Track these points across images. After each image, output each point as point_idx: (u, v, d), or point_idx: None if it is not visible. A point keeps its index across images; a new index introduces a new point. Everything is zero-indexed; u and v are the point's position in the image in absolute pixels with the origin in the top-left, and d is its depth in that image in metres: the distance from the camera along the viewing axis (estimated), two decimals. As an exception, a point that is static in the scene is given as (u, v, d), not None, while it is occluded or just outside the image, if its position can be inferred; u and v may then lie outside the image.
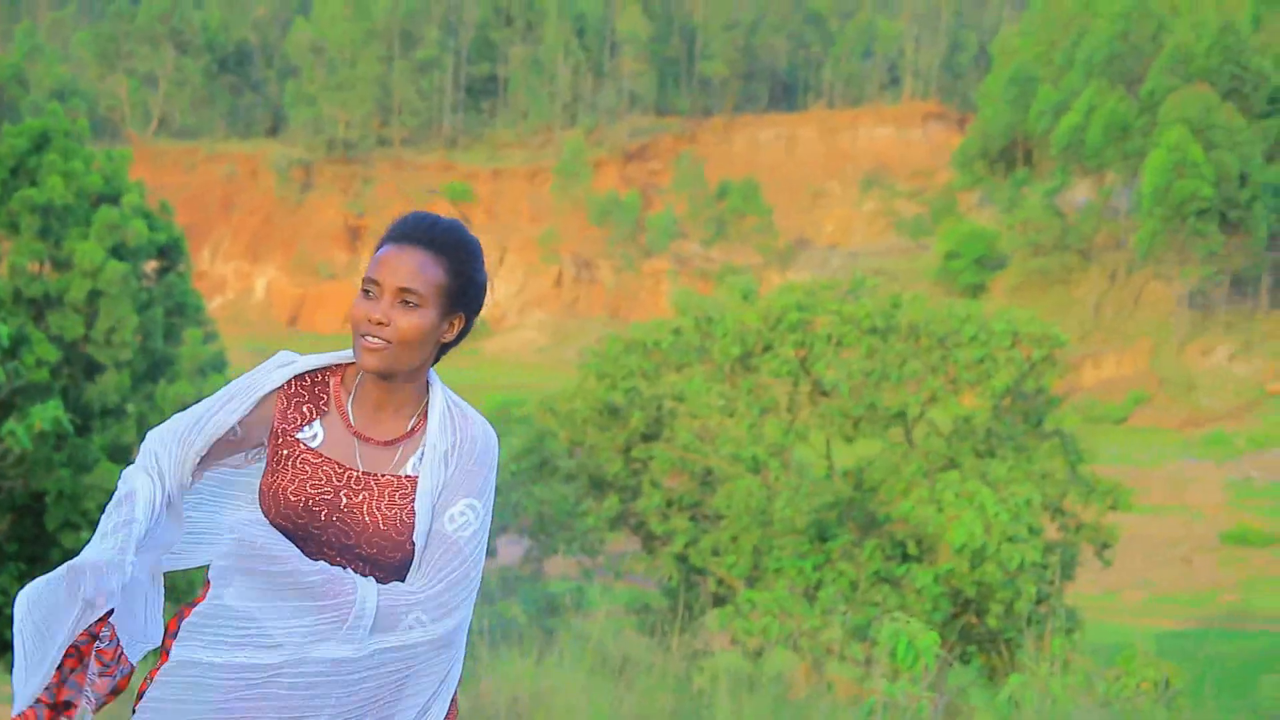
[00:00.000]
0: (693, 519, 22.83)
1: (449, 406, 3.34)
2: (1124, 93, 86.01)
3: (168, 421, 3.36)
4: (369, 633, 3.13)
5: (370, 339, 3.16)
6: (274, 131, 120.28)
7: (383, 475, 3.24)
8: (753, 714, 8.84)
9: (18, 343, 28.38)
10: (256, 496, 3.32)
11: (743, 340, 22.84)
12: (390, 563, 3.22)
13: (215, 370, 33.09)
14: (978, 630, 20.70)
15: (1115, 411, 75.18)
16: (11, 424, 27.14)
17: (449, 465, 3.26)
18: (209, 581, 3.15)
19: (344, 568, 3.19)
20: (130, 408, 31.41)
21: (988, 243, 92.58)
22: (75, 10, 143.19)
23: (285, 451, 3.25)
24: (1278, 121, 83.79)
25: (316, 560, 3.18)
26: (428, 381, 3.35)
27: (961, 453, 22.77)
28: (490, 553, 25.47)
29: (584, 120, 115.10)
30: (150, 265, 33.10)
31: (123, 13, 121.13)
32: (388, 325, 3.15)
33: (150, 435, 3.34)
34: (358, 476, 3.22)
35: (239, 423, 3.28)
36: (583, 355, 26.47)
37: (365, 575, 3.21)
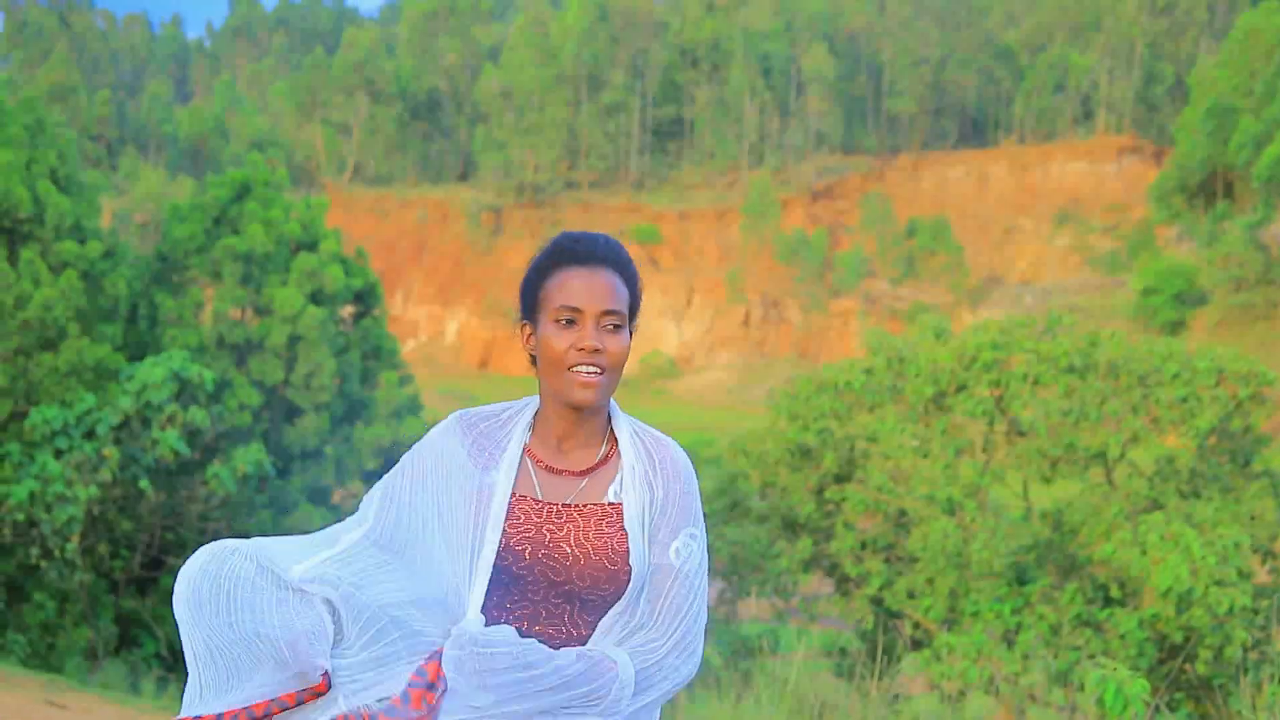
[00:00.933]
0: (887, 561, 22.61)
1: (635, 430, 3.26)
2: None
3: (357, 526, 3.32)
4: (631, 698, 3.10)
5: (585, 370, 3.10)
6: (464, 177, 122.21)
7: (585, 505, 3.16)
8: (955, 761, 8.69)
9: (221, 387, 28.94)
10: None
11: (936, 380, 22.61)
12: (601, 598, 3.14)
13: (410, 413, 33.53)
14: (1186, 677, 20.21)
15: (1323, 450, 73.68)
16: (216, 467, 27.67)
17: (653, 489, 3.19)
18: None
19: (551, 609, 3.15)
20: (329, 450, 31.90)
21: (1187, 278, 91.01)
22: (273, 63, 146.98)
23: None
24: None
25: (533, 626, 3.16)
26: (608, 411, 3.28)
27: (1165, 494, 22.34)
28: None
29: (770, 160, 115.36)
30: (347, 310, 33.71)
31: (319, 64, 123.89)
32: (602, 351, 3.09)
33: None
34: (558, 510, 3.15)
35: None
36: (772, 396, 26.32)
37: (573, 615, 3.14)
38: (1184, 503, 22.09)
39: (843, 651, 24.66)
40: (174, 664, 28.85)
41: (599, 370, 3.10)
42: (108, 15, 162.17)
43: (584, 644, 3.14)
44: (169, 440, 26.88)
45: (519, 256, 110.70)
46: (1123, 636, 20.49)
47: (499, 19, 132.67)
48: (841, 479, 22.95)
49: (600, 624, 3.14)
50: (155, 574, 29.77)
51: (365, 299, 34.15)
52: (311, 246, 32.43)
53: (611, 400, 3.26)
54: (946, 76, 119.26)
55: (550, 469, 3.19)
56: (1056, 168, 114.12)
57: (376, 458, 32.59)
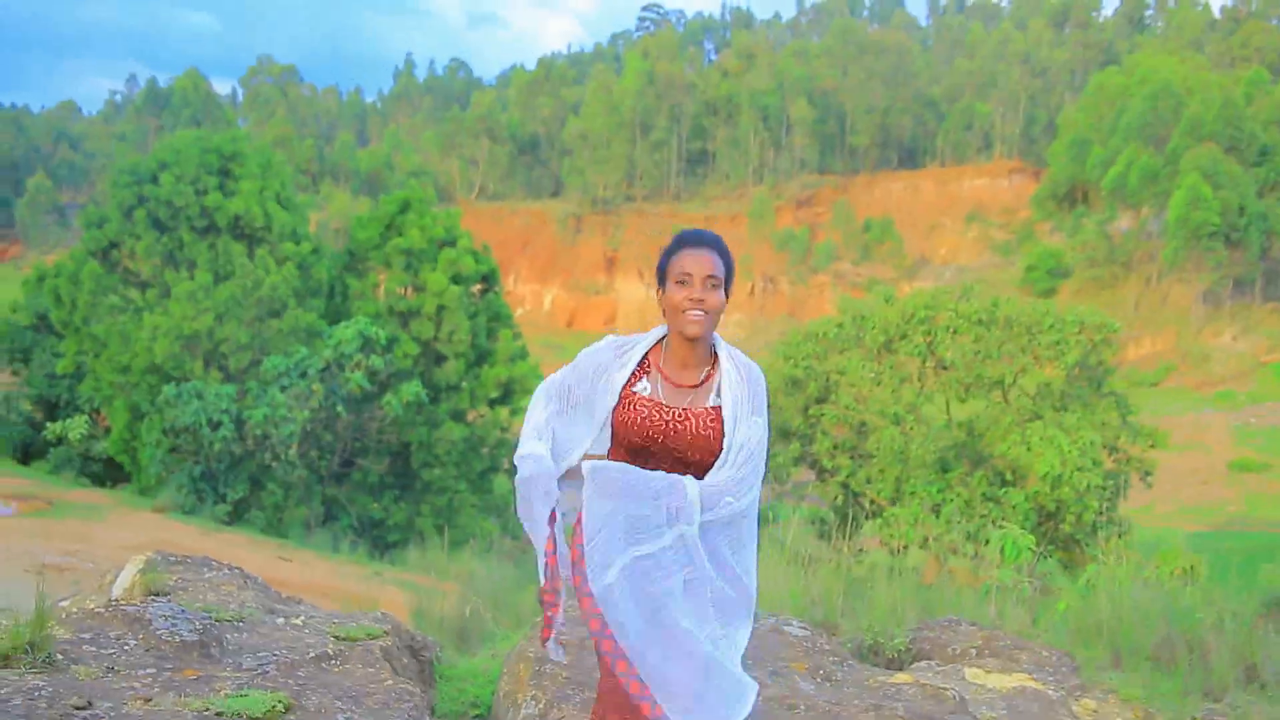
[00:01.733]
0: (851, 458, 22.62)
1: (730, 354, 3.50)
2: (1153, 150, 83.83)
3: (558, 376, 3.67)
4: (699, 512, 3.30)
5: (693, 313, 3.37)
6: (555, 194, 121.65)
7: (696, 409, 3.41)
8: (900, 594, 8.69)
9: (391, 342, 29.10)
10: (609, 427, 3.52)
11: (886, 331, 22.63)
12: (703, 464, 3.37)
13: (521, 359, 33.62)
14: (1058, 535, 20.21)
15: (1150, 378, 73.20)
16: (388, 397, 27.94)
17: (739, 389, 3.43)
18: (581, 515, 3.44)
19: (672, 469, 3.39)
20: (465, 385, 32.12)
21: (1056, 259, 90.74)
22: (424, 117, 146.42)
23: (628, 399, 3.45)
24: (1264, 170, 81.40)
25: (654, 470, 3.39)
26: (712, 341, 3.51)
27: (1043, 408, 22.32)
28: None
29: (768, 179, 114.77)
30: (476, 288, 33.79)
31: (456, 117, 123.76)
32: (704, 301, 3.36)
33: (545, 385, 3.69)
34: (678, 412, 3.40)
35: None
36: (772, 344, 26.35)
37: (685, 474, 3.38)
38: (1056, 414, 22.06)
39: (821, 521, 24.50)
40: (362, 531, 29.08)
41: (703, 313, 3.38)
42: (311, 87, 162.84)
43: None
44: (356, 379, 27.08)
45: (593, 249, 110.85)
46: (1014, 507, 20.46)
47: (578, 84, 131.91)
48: (820, 401, 22.99)
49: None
50: (348, 470, 29.98)
51: (489, 280, 34.17)
52: (452, 244, 32.46)
53: (716, 335, 3.50)
54: (890, 120, 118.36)
55: (674, 384, 3.45)
56: (967, 182, 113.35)
57: (498, 389, 32.67)
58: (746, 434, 3.40)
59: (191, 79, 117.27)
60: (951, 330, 22.38)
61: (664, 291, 3.47)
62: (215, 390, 26.71)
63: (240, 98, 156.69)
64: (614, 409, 3.47)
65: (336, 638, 5.78)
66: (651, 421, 3.39)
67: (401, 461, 30.60)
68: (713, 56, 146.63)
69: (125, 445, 29.91)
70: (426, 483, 30.36)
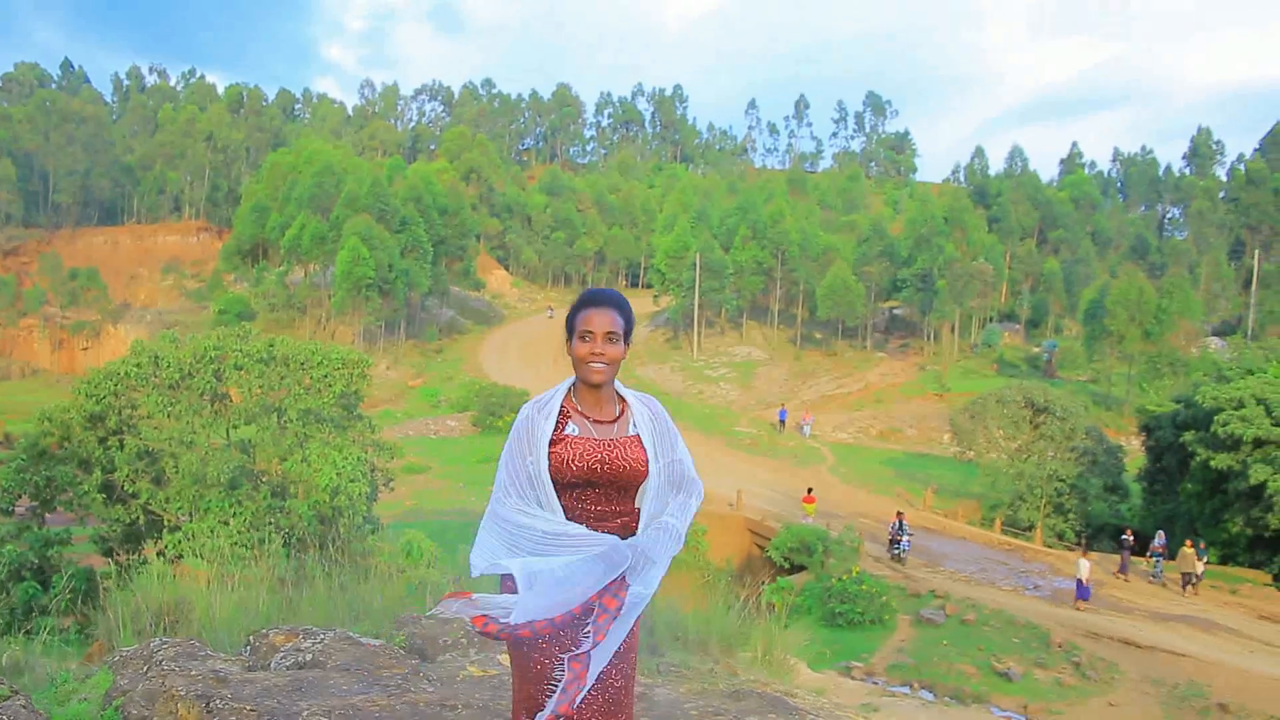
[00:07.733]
0: (151, 482, 20.85)
1: (633, 393, 3.38)
2: (321, 218, 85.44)
3: (504, 481, 3.23)
4: (644, 569, 3.12)
5: (595, 364, 3.21)
6: None
7: (620, 438, 3.23)
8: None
9: None
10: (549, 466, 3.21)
11: (180, 369, 21.16)
12: (633, 486, 3.21)
13: None
14: (337, 534, 19.81)
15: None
16: None
17: (654, 422, 3.30)
18: None
19: (610, 495, 3.18)
20: None
21: (244, 304, 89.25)
22: None
23: (561, 441, 3.18)
24: (404, 236, 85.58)
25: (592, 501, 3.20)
26: (614, 386, 3.36)
27: (312, 431, 21.99)
28: (8, 512, 22.16)
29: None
30: None
31: None
32: (605, 354, 3.21)
33: (504, 507, 3.21)
34: (606, 443, 3.20)
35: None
36: (76, 382, 23.38)
37: (619, 497, 3.20)
38: (325, 435, 21.93)
39: (103, 539, 22.27)
40: None
41: (604, 364, 3.23)
42: None
43: (628, 514, 3.23)
44: None
45: None
46: (300, 516, 20.13)
47: None
48: (120, 432, 20.90)
49: (646, 504, 3.23)
50: None
51: None
52: None
53: (615, 380, 3.34)
54: (91, 182, 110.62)
55: (596, 421, 3.24)
56: (162, 239, 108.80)
57: None
58: (684, 456, 3.34)
59: None
60: (238, 367, 21.41)
61: (571, 344, 3.28)
62: None
63: None
64: (550, 454, 3.18)
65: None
66: (589, 455, 3.16)
67: None
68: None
69: None
70: None
